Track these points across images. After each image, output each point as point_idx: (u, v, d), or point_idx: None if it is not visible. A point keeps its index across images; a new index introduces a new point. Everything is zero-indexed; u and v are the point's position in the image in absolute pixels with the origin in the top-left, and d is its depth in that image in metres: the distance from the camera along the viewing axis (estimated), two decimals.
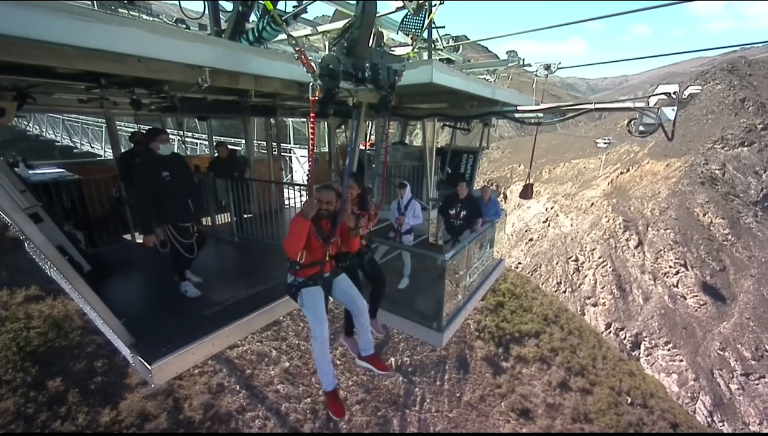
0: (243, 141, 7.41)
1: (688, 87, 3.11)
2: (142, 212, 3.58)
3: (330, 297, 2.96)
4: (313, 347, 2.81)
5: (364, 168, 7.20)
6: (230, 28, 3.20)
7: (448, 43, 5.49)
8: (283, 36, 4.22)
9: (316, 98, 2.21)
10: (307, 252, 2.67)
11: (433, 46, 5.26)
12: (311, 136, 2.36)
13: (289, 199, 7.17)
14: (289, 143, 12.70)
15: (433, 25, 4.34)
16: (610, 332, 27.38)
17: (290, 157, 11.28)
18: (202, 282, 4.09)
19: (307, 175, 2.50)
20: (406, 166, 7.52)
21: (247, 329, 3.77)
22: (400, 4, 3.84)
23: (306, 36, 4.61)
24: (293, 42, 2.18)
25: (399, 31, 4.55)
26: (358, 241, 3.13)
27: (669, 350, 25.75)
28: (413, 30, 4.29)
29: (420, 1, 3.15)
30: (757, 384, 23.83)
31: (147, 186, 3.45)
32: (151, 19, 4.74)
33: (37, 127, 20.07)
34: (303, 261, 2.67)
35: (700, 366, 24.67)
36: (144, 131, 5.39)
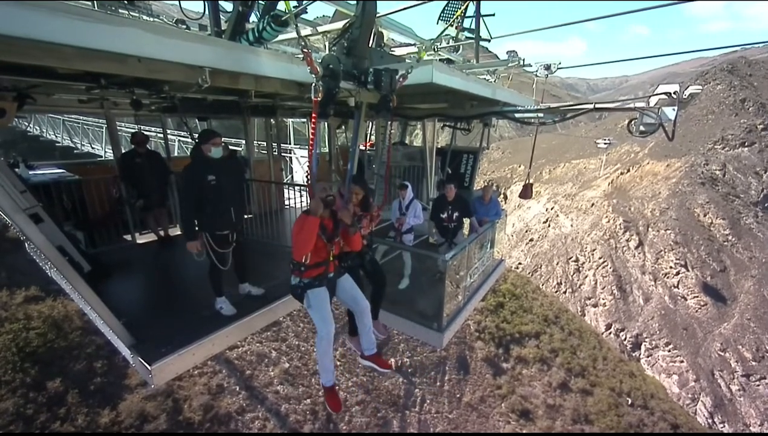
0: (243, 141, 7.40)
1: (688, 87, 3.10)
2: (184, 217, 3.49)
3: (333, 297, 2.99)
4: (317, 346, 2.88)
5: (365, 168, 7.21)
6: (230, 29, 3.20)
7: (448, 43, 5.48)
8: (283, 36, 4.25)
9: (317, 99, 2.20)
10: (312, 253, 2.68)
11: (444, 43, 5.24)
12: (311, 137, 2.35)
13: (289, 199, 7.17)
14: (290, 144, 12.71)
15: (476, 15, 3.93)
16: (610, 333, 27.35)
17: (290, 157, 11.28)
18: (263, 293, 3.92)
19: (307, 176, 2.49)
20: (406, 167, 7.52)
21: (247, 330, 3.76)
22: (407, 3, 3.78)
23: (306, 36, 4.61)
24: (303, 44, 2.18)
25: (439, 21, 4.24)
26: (360, 241, 3.13)
27: (669, 350, 25.71)
28: (456, 21, 3.93)
29: None
30: (758, 385, 23.79)
31: (190, 189, 3.29)
32: (151, 19, 4.74)
33: (38, 128, 20.09)
34: (308, 262, 2.68)
35: (700, 367, 24.63)
36: (144, 132, 5.42)
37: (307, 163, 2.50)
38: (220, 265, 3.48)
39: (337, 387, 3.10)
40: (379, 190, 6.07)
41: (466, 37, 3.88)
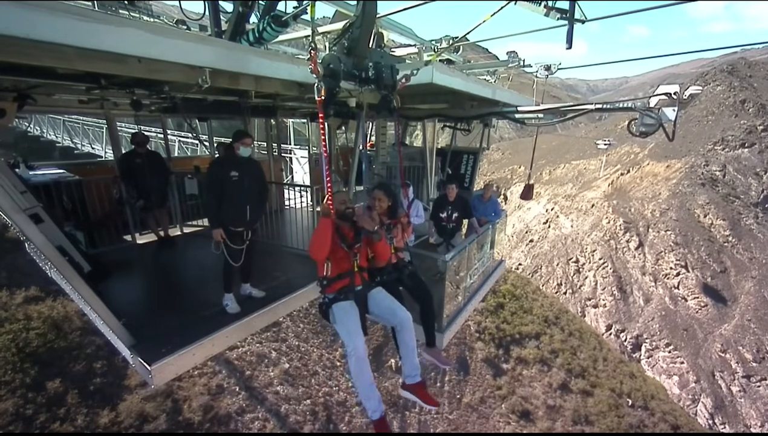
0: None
1: (688, 87, 3.10)
2: (207, 208, 3.64)
3: (367, 315, 2.65)
4: (349, 367, 2.41)
5: (367, 168, 7.20)
6: (230, 29, 3.20)
7: (448, 43, 5.49)
8: (283, 37, 4.25)
9: (321, 98, 2.19)
10: (332, 263, 2.49)
11: (435, 47, 5.25)
12: (322, 137, 2.35)
13: (289, 200, 7.16)
14: (290, 144, 12.70)
15: None
16: (610, 334, 27.32)
17: (290, 157, 11.28)
18: (265, 296, 3.91)
19: (327, 178, 2.38)
20: (406, 167, 7.52)
21: (247, 330, 3.76)
22: (407, 4, 3.74)
23: (306, 36, 4.62)
24: (312, 45, 2.17)
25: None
26: (388, 250, 2.82)
27: (670, 351, 25.68)
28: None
29: None
30: (759, 386, 23.76)
31: (213, 182, 3.48)
32: (151, 19, 4.74)
33: (38, 128, 20.09)
34: (329, 274, 2.49)
35: (701, 368, 24.60)
36: (144, 133, 5.42)
37: (326, 166, 2.37)
38: (231, 260, 3.57)
39: (387, 418, 2.49)
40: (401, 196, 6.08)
41: (558, 18, 3.22)
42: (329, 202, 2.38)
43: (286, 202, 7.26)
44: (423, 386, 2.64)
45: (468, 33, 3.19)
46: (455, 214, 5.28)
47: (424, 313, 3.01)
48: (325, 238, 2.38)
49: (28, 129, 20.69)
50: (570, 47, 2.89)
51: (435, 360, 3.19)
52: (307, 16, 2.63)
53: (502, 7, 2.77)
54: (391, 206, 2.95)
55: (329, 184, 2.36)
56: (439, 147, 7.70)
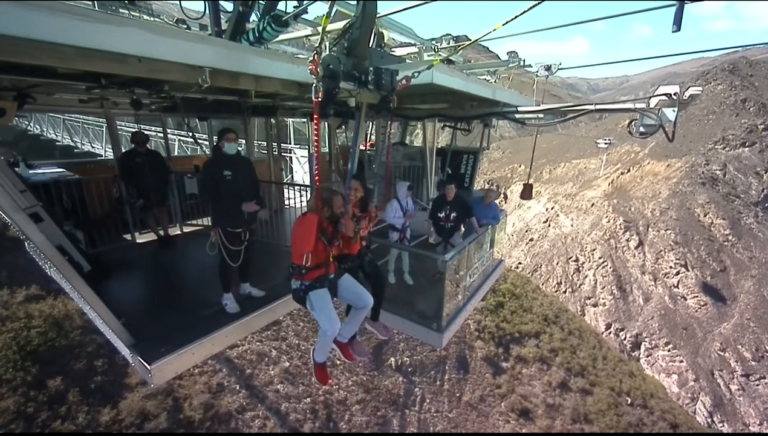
0: (243, 141, 7.40)
1: (688, 88, 3.10)
2: (210, 208, 3.68)
3: (335, 298, 3.00)
4: (319, 342, 2.99)
5: (365, 168, 7.20)
6: (231, 29, 3.20)
7: (448, 43, 5.48)
8: (283, 36, 4.24)
9: (318, 99, 2.20)
10: (312, 255, 2.70)
11: (436, 48, 5.25)
12: (315, 137, 2.36)
13: (289, 199, 7.16)
14: (290, 144, 12.70)
15: None
16: (610, 333, 27.36)
17: (290, 157, 11.27)
18: (264, 296, 3.97)
19: (316, 177, 2.50)
20: (406, 167, 7.51)
21: (247, 329, 3.77)
22: (407, 4, 3.75)
23: (306, 36, 4.62)
24: (316, 50, 2.17)
25: None
26: (359, 243, 3.17)
27: (669, 350, 25.72)
28: None
29: None
30: (758, 385, 23.80)
31: (209, 183, 3.50)
32: (151, 19, 4.74)
33: (38, 127, 20.08)
34: (308, 264, 2.70)
35: (700, 367, 24.64)
36: (144, 132, 5.42)
37: (315, 165, 2.51)
38: (230, 261, 3.57)
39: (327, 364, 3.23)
40: (379, 191, 6.05)
41: None
42: (317, 200, 2.57)
43: (286, 202, 7.26)
44: (347, 346, 3.30)
45: (479, 39, 3.15)
46: (453, 214, 5.29)
47: (376, 294, 3.42)
48: (311, 235, 2.56)
49: (28, 128, 20.68)
50: (678, 29, 2.56)
51: (376, 331, 3.64)
52: (307, 16, 2.63)
53: (525, 11, 2.52)
54: (363, 198, 3.31)
55: (318, 182, 2.52)
56: (439, 147, 7.70)
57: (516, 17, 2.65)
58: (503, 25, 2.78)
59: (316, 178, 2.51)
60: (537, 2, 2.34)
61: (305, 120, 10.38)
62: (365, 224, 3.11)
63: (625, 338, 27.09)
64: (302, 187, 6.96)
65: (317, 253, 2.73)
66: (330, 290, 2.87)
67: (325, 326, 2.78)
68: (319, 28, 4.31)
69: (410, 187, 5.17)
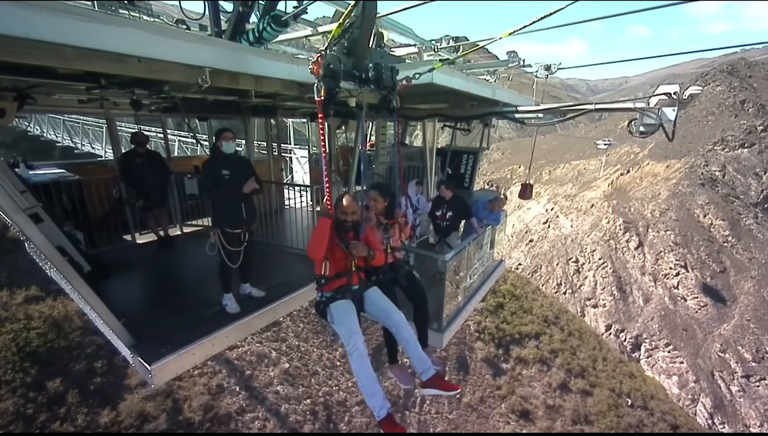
0: (243, 141, 7.41)
1: (688, 87, 3.10)
2: (210, 207, 3.68)
3: (362, 313, 2.70)
4: (351, 366, 2.39)
5: (365, 169, 7.19)
6: (230, 29, 3.20)
7: (448, 43, 5.49)
8: (283, 36, 4.25)
9: (321, 99, 2.19)
10: (330, 262, 2.52)
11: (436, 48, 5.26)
12: (321, 137, 2.34)
13: (289, 199, 7.16)
14: (290, 144, 12.70)
15: None
16: (610, 334, 27.34)
17: (290, 157, 11.28)
18: (264, 296, 3.91)
19: (326, 180, 2.40)
20: (406, 167, 7.51)
21: (247, 330, 3.76)
22: (407, 4, 3.76)
23: (306, 36, 4.63)
24: (321, 53, 2.17)
25: None
26: (383, 257, 2.85)
27: (669, 351, 25.70)
28: None
29: None
30: (758, 386, 23.78)
31: (208, 183, 3.50)
32: (151, 19, 4.74)
33: (38, 128, 20.07)
34: (327, 273, 2.52)
35: (700, 368, 24.62)
36: (144, 132, 5.42)
37: (324, 166, 2.37)
38: (229, 262, 3.55)
39: (394, 415, 2.44)
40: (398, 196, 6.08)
41: None
42: (328, 202, 2.41)
43: (286, 202, 7.26)
44: (439, 376, 2.59)
45: (485, 44, 3.13)
46: (449, 214, 5.32)
47: (418, 314, 3.02)
48: (323, 238, 2.40)
49: (28, 128, 20.67)
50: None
51: (397, 377, 3.22)
52: (307, 17, 2.63)
53: (535, 21, 2.53)
54: (387, 206, 2.96)
55: (327, 185, 2.38)
56: (439, 147, 7.70)
57: (525, 27, 2.65)
58: (509, 34, 2.78)
59: (326, 179, 2.36)
60: (548, 14, 2.32)
61: (305, 120, 10.38)
62: (395, 233, 2.84)
63: (625, 339, 27.07)
64: (302, 188, 6.96)
65: (336, 260, 2.55)
66: (354, 303, 2.58)
67: (345, 340, 2.39)
68: (320, 29, 4.33)
69: (419, 182, 5.15)
